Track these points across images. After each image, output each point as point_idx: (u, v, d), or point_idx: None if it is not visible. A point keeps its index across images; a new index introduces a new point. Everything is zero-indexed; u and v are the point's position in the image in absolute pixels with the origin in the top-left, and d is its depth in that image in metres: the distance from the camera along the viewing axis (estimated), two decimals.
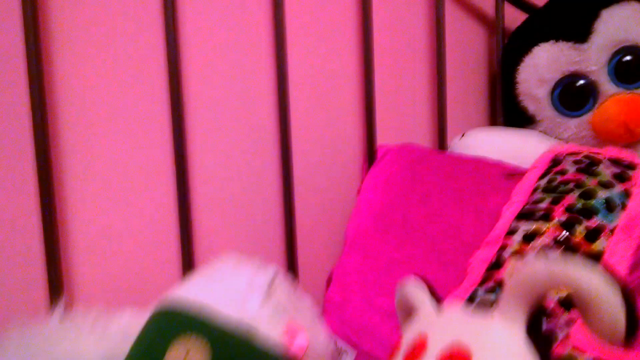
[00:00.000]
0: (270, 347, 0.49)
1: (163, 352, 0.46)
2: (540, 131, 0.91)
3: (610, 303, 0.35)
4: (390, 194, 0.81)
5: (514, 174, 0.77)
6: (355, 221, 0.80)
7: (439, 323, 0.46)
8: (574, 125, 0.88)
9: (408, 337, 0.46)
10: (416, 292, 0.51)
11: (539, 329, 0.42)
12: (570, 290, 0.38)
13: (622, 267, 0.68)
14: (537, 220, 0.68)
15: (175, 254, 0.72)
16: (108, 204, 0.68)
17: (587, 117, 0.87)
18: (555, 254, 0.65)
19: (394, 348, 0.48)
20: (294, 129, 0.80)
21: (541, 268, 0.39)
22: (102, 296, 0.68)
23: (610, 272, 0.36)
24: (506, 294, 0.42)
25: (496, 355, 0.40)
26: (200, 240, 0.74)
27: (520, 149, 0.86)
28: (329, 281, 0.77)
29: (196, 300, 0.51)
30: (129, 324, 0.55)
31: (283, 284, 0.57)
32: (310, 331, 0.56)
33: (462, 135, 0.92)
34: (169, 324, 0.49)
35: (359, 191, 0.84)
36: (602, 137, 0.87)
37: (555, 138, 0.89)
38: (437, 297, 0.51)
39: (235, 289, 0.54)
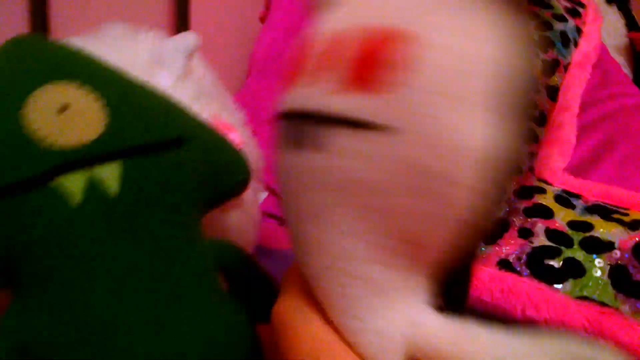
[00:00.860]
0: (192, 113, 0.31)
1: (22, 106, 0.25)
2: None
3: None
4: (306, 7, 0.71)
5: None
6: (264, 44, 0.69)
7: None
8: None
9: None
10: None
11: None
12: None
13: (575, 104, 0.65)
14: None
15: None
16: None
17: None
18: None
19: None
20: None
21: None
22: None
23: None
24: None
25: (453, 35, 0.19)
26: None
27: None
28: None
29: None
30: None
31: (200, 60, 0.45)
32: (240, 131, 0.45)
33: None
34: (31, 63, 0.27)
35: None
36: None
37: None
38: None
39: (132, 59, 0.36)
